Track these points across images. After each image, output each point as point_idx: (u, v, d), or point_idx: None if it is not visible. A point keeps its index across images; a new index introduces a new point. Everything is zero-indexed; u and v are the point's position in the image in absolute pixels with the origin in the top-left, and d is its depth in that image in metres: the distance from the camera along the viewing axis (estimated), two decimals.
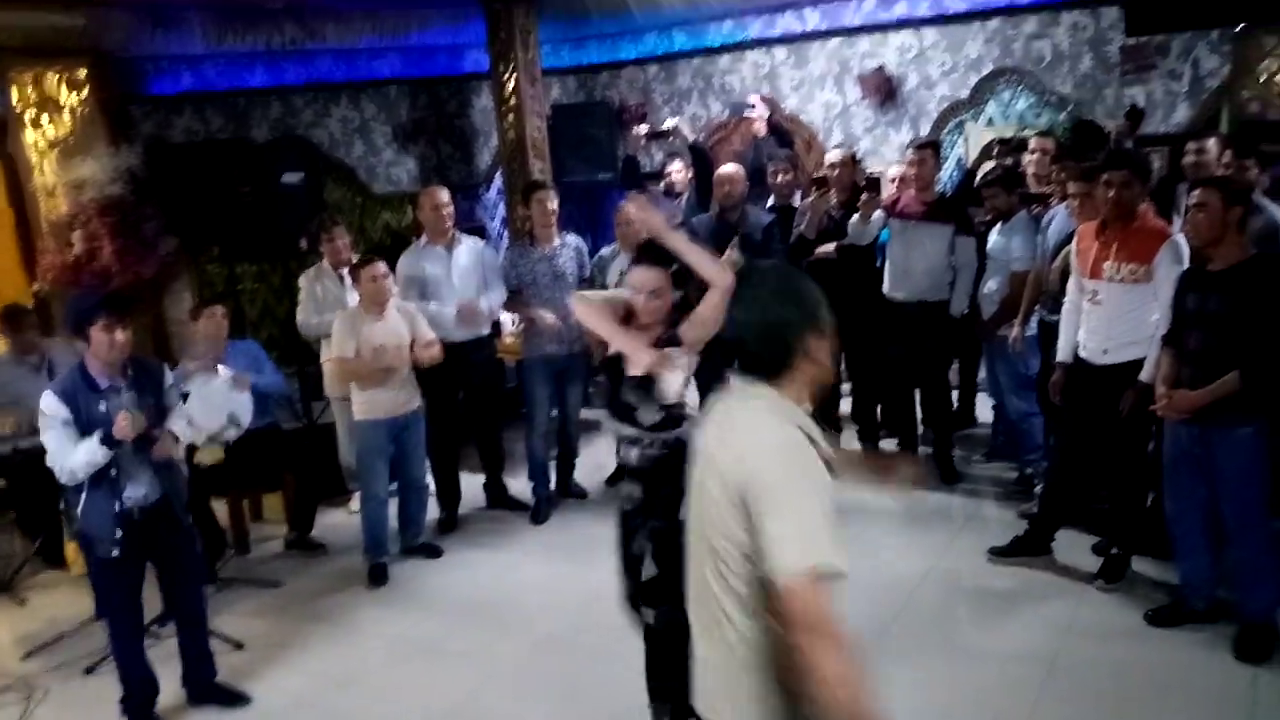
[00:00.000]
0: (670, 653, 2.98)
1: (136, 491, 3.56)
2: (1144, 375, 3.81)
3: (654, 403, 3.00)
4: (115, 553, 3.51)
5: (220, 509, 5.16)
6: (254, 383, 4.95)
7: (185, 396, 4.27)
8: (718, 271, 2.92)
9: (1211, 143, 4.62)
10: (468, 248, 5.31)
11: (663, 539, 3.00)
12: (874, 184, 5.27)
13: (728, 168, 5.44)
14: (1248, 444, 3.48)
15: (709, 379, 2.50)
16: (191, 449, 4.55)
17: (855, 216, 5.29)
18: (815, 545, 1.68)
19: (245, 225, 6.16)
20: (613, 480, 5.81)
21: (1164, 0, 4.60)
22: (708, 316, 2.97)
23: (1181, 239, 3.80)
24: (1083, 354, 4.05)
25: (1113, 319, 3.90)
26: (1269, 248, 3.92)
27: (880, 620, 3.97)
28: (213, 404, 4.70)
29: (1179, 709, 3.29)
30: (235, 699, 3.83)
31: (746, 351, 1.89)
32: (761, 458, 1.77)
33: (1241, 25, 4.78)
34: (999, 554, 4.40)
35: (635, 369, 3.01)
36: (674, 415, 3.00)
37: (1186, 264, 3.71)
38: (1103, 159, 4.15)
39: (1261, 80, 4.73)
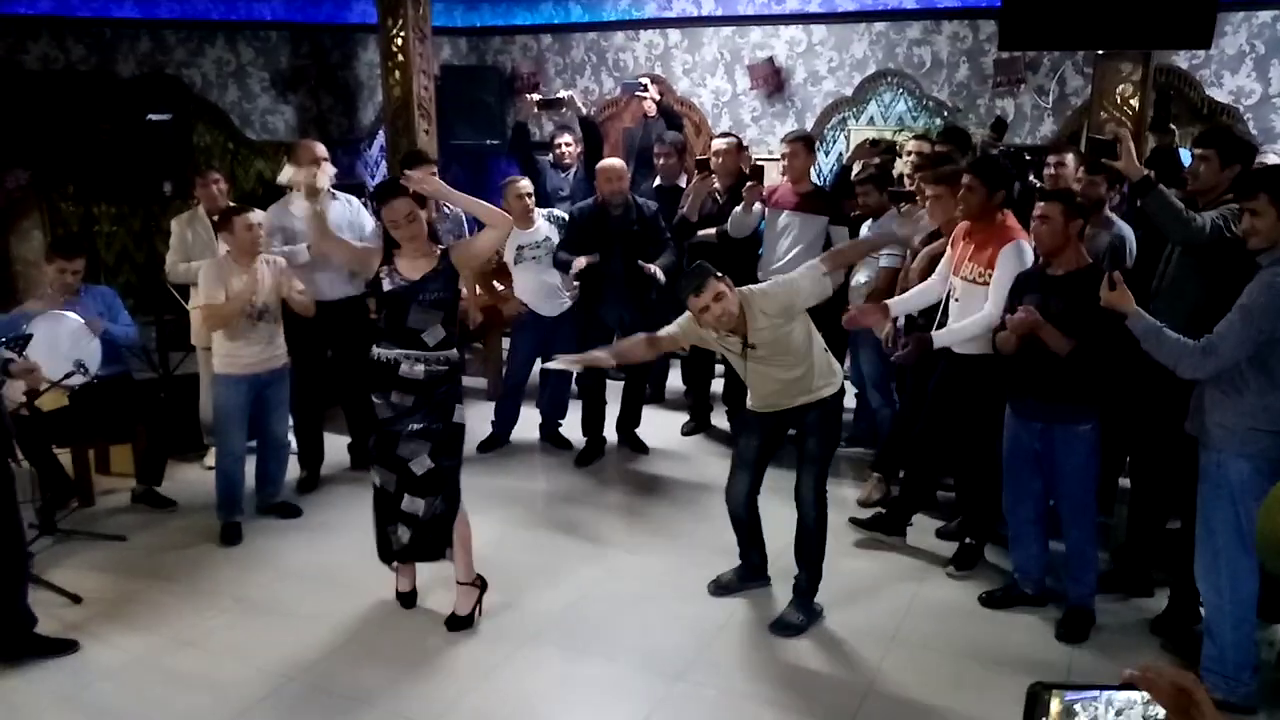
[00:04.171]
0: (436, 534, 3.77)
1: None
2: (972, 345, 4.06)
3: (439, 327, 3.64)
4: None
5: (66, 459, 4.89)
6: (106, 330, 4.71)
7: (28, 339, 4.05)
8: (498, 216, 3.67)
9: (1070, 156, 4.89)
10: (341, 204, 5.17)
11: (439, 437, 3.66)
12: (758, 172, 5.36)
13: (611, 162, 5.42)
14: (1087, 440, 3.71)
15: None
16: (33, 392, 4.32)
17: (739, 207, 5.35)
18: None
19: (105, 164, 5.82)
20: (485, 447, 5.79)
21: (1035, 19, 4.83)
22: (479, 245, 3.76)
23: (1025, 244, 3.99)
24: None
25: (964, 316, 4.08)
26: (1116, 259, 4.20)
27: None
28: (58, 348, 4.45)
29: (1003, 682, 3.51)
30: (61, 648, 3.63)
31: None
32: None
33: (1103, 50, 5.07)
34: (857, 524, 4.62)
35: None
36: (451, 336, 3.70)
37: (1029, 266, 3.90)
38: (965, 164, 4.33)
39: (1118, 103, 5.04)
